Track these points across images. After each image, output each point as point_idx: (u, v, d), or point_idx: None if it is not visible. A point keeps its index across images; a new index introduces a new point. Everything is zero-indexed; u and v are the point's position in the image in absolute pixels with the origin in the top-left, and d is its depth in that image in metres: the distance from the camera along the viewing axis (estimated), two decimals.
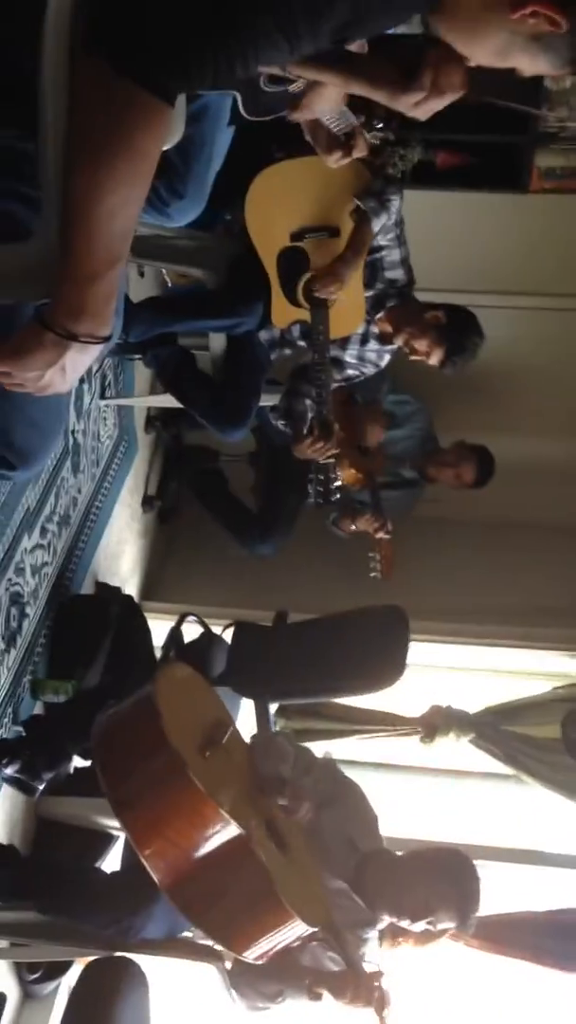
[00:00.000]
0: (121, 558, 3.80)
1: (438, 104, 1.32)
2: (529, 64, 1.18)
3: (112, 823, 2.29)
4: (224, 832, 1.79)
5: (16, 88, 1.21)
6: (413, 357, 3.12)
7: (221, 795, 1.79)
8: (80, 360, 1.16)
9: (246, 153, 2.20)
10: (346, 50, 1.26)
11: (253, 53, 1.03)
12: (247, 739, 2.32)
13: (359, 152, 1.63)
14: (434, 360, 3.10)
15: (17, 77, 1.19)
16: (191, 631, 3.19)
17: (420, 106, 1.32)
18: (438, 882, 2.33)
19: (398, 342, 3.11)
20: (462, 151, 3.61)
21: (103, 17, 1.01)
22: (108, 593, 3.43)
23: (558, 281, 4.00)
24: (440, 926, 2.32)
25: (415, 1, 1.13)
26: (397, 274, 3.10)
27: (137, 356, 3.30)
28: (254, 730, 2.79)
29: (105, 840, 2.57)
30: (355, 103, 1.54)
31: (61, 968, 2.79)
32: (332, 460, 2.99)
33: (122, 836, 2.42)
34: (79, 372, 1.19)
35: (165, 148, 1.11)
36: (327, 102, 1.50)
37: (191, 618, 3.21)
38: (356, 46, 1.35)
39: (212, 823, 1.78)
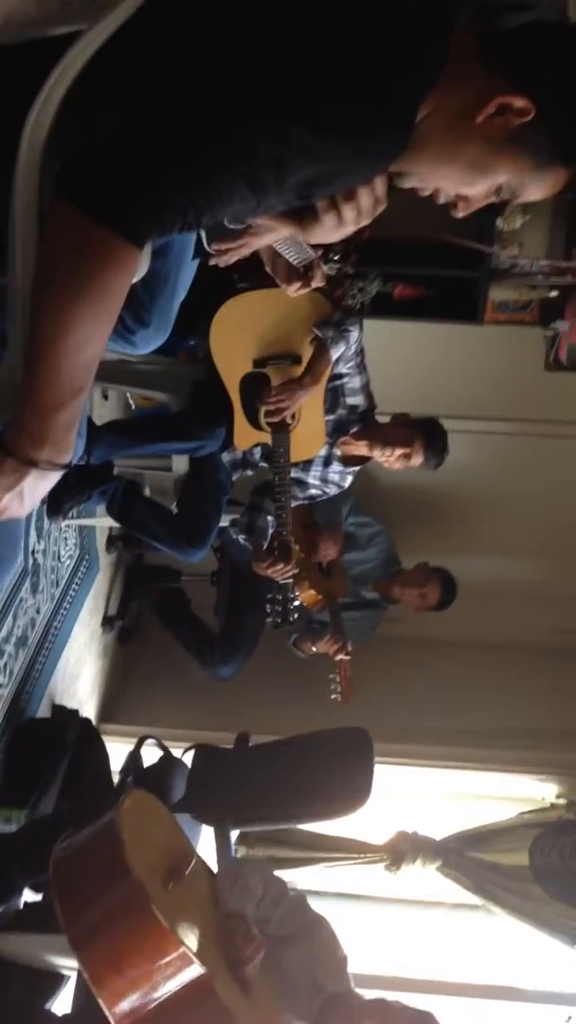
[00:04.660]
0: (79, 679, 3.73)
1: (346, 229, 1.29)
2: (511, 169, 1.16)
3: (64, 962, 2.18)
4: (186, 972, 1.71)
5: None
6: (395, 464, 3.16)
7: (184, 932, 1.72)
8: (39, 486, 1.17)
9: (210, 283, 2.27)
10: None
11: (220, 205, 1.07)
12: (211, 868, 2.24)
13: (317, 283, 1.69)
14: (417, 455, 3.14)
15: None
16: (150, 754, 3.12)
17: (334, 234, 1.30)
18: None
19: (376, 453, 3.16)
20: (419, 284, 3.76)
21: (78, 163, 1.05)
22: (65, 716, 3.35)
23: (510, 406, 4.14)
24: None
25: (383, 154, 1.15)
26: (358, 400, 3.18)
27: (84, 499, 3.21)
28: (214, 858, 2.70)
29: (56, 980, 2.43)
30: None
31: None
32: (291, 580, 3.00)
33: (74, 976, 2.30)
34: (38, 497, 1.19)
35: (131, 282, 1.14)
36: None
37: (150, 741, 3.14)
38: None
39: (174, 962, 1.70)
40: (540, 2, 1.41)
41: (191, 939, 1.74)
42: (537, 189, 1.20)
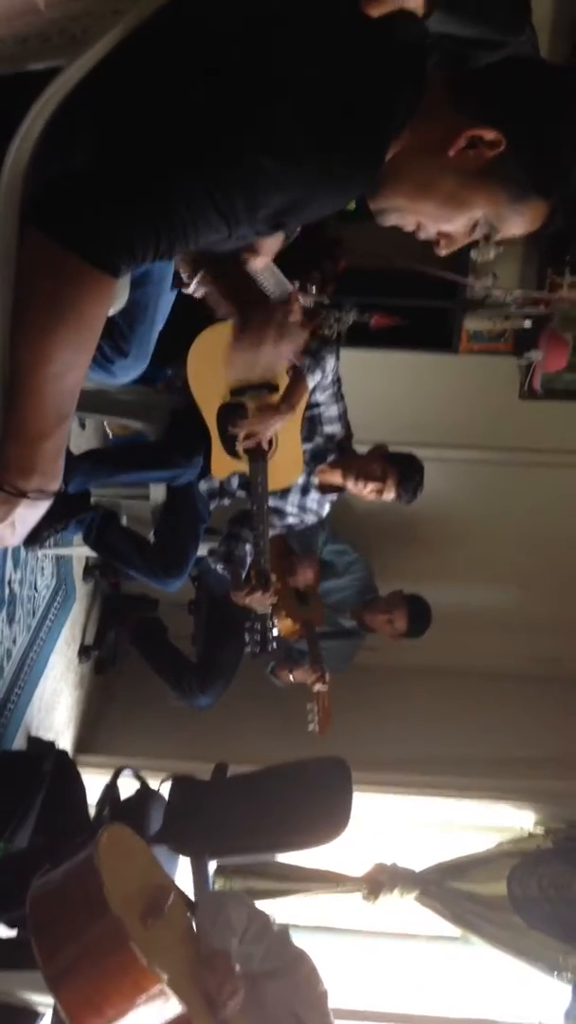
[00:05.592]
0: (56, 710, 3.70)
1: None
2: (487, 202, 1.18)
3: (39, 998, 2.15)
4: (165, 1009, 1.69)
5: None
6: (368, 495, 3.17)
7: (163, 969, 1.70)
8: (30, 515, 1.17)
9: (187, 314, 2.28)
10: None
11: (193, 234, 1.08)
12: (190, 898, 2.22)
13: (295, 316, 1.71)
14: (390, 490, 3.15)
15: None
16: (127, 786, 3.09)
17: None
18: None
19: (349, 484, 3.17)
20: (395, 314, 3.80)
21: (51, 194, 1.06)
22: (40, 748, 3.32)
23: (485, 435, 4.17)
24: None
25: (350, 187, 1.18)
26: (335, 428, 3.20)
27: (61, 528, 3.20)
28: (192, 890, 2.67)
29: (30, 1017, 2.40)
30: (290, 270, 1.62)
31: None
32: (269, 609, 2.99)
33: (49, 1012, 2.27)
34: (28, 526, 1.18)
35: (110, 313, 1.15)
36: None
37: (127, 772, 3.11)
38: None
39: (153, 999, 1.67)
40: (509, 41, 1.44)
41: (170, 976, 1.71)
42: (516, 223, 1.21)
